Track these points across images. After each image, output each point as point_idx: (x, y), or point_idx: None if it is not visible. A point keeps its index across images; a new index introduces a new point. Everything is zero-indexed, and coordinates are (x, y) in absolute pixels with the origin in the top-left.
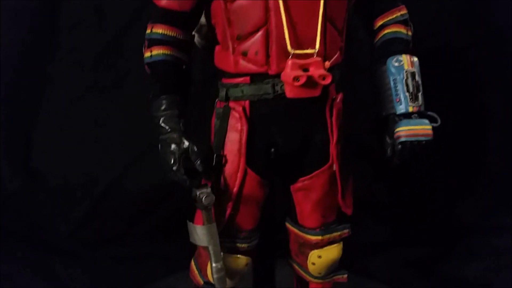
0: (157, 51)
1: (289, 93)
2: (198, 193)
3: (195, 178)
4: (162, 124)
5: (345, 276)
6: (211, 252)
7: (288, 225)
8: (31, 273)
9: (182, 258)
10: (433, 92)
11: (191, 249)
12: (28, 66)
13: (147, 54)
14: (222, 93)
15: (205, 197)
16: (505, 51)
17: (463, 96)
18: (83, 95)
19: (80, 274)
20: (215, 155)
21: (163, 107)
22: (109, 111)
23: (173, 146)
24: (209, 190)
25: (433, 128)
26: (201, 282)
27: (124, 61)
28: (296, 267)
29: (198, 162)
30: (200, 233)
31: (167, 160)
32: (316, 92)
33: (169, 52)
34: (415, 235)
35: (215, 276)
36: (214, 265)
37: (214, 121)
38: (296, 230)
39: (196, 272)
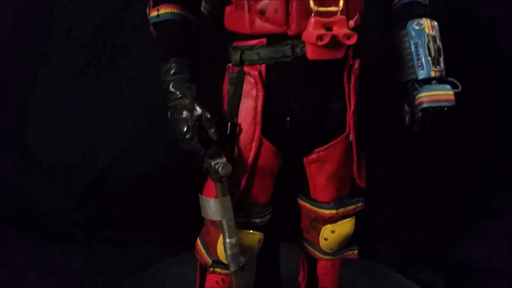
0: (164, 10)
1: (311, 54)
2: (213, 164)
3: (209, 148)
4: (172, 89)
5: (356, 252)
6: (225, 227)
7: (300, 200)
8: (25, 258)
9: (181, 241)
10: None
11: (191, 231)
12: (21, 43)
13: (153, 13)
14: (236, 56)
15: (222, 167)
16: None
17: (466, 81)
18: (79, 73)
19: (76, 258)
20: (229, 123)
21: (172, 71)
22: (106, 89)
23: (185, 113)
24: (224, 160)
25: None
26: (209, 261)
27: (122, 38)
28: (306, 244)
29: (213, 130)
30: (214, 206)
31: (179, 128)
32: (339, 54)
33: (177, 11)
34: (419, 219)
35: (229, 252)
36: (228, 240)
37: (228, 87)
38: (308, 205)
39: (203, 251)
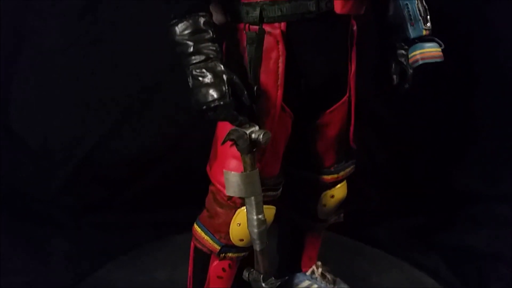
0: None
1: (341, 8)
2: (248, 132)
3: (244, 115)
4: (194, 51)
5: (342, 215)
6: (254, 202)
7: (296, 172)
8: (10, 243)
9: (170, 226)
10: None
11: (182, 216)
12: (5, 18)
13: None
14: (255, 13)
15: (263, 135)
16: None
17: (465, 64)
18: (65, 50)
19: (62, 242)
20: (255, 88)
21: (192, 29)
22: (94, 66)
23: (214, 77)
24: (257, 127)
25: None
26: (217, 247)
27: (111, 13)
28: (296, 217)
29: (246, 95)
30: (245, 181)
31: (210, 94)
32: (362, 10)
33: None
34: (419, 204)
35: (257, 230)
36: (257, 217)
37: (248, 48)
38: (307, 174)
39: (207, 238)
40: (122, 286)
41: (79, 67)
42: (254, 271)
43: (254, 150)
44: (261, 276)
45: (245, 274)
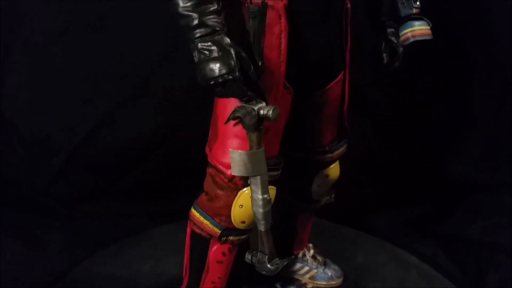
0: None
1: None
2: (256, 108)
3: (252, 90)
4: (199, 24)
5: (333, 196)
6: (260, 182)
7: (290, 153)
8: (3, 232)
9: (165, 215)
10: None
11: (176, 204)
12: None
13: None
14: None
15: (273, 110)
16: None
17: (463, 53)
18: (59, 36)
19: (55, 231)
20: (260, 63)
21: (197, 0)
22: (89, 53)
23: (221, 51)
24: (264, 104)
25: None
26: (217, 231)
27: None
28: (289, 200)
29: (252, 69)
30: (252, 160)
31: (219, 68)
32: None
33: None
34: (415, 193)
35: (262, 210)
36: (262, 197)
37: (250, 22)
38: (302, 155)
39: (207, 221)
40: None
41: (73, 55)
42: (258, 252)
43: (260, 127)
44: (266, 257)
45: (248, 256)
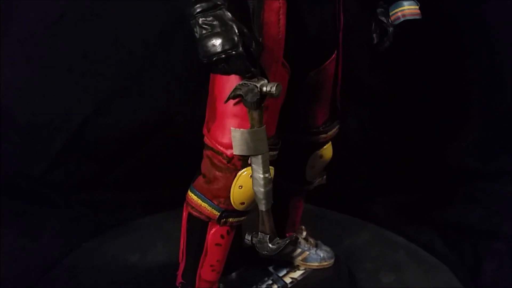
0: None
1: None
2: (258, 85)
3: (253, 67)
4: None
5: (324, 177)
6: (261, 160)
7: (284, 135)
8: None
9: (162, 204)
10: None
11: (172, 193)
12: None
13: None
14: None
15: (276, 86)
16: None
17: (463, 38)
18: (54, 23)
19: (51, 219)
20: (260, 39)
21: None
22: (85, 41)
23: (223, 26)
24: (266, 80)
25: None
26: (216, 213)
27: None
28: (282, 182)
29: (254, 45)
30: (253, 138)
31: (222, 44)
32: None
33: None
34: (412, 181)
35: (263, 189)
36: (263, 176)
37: None
38: (296, 136)
39: (205, 204)
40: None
41: (69, 43)
42: (259, 233)
43: (262, 105)
44: (268, 236)
45: (248, 237)
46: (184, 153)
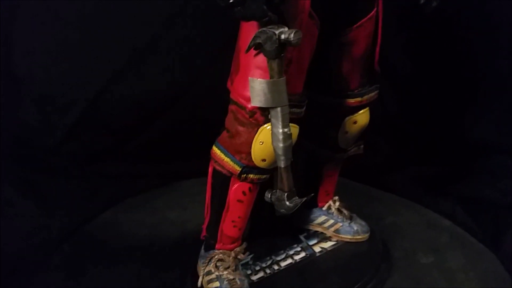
0: None
1: None
2: (277, 33)
3: (273, 12)
4: None
5: (362, 147)
6: (280, 114)
7: (316, 97)
8: (14, 192)
9: (177, 175)
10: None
11: (189, 165)
12: None
13: None
14: None
15: (294, 33)
16: None
17: (490, 18)
18: None
19: (67, 191)
20: None
21: None
22: (100, 11)
23: None
24: (286, 28)
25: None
26: (237, 168)
27: None
28: (315, 147)
29: None
30: (272, 89)
31: None
32: None
33: None
34: (433, 155)
35: (282, 144)
36: (282, 130)
37: None
38: (328, 100)
39: (227, 159)
40: (129, 228)
41: (84, 12)
42: (278, 190)
43: (282, 55)
44: (285, 194)
45: (267, 195)
46: (200, 125)
